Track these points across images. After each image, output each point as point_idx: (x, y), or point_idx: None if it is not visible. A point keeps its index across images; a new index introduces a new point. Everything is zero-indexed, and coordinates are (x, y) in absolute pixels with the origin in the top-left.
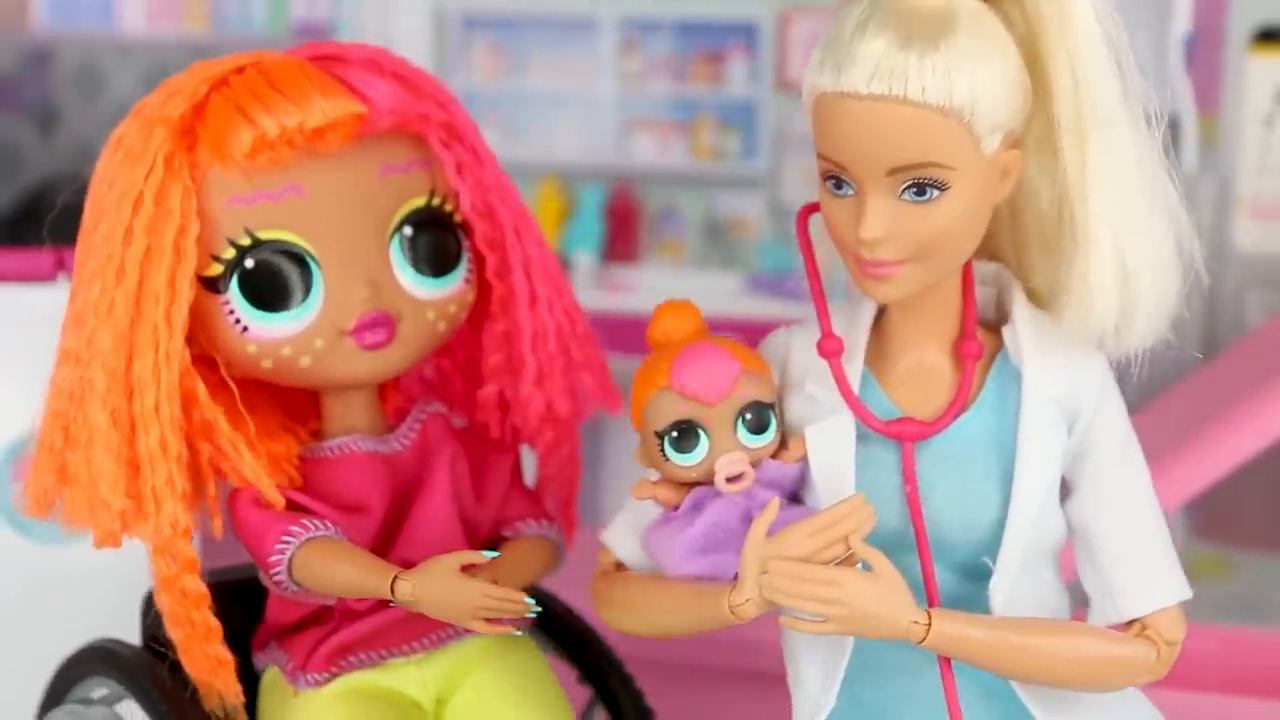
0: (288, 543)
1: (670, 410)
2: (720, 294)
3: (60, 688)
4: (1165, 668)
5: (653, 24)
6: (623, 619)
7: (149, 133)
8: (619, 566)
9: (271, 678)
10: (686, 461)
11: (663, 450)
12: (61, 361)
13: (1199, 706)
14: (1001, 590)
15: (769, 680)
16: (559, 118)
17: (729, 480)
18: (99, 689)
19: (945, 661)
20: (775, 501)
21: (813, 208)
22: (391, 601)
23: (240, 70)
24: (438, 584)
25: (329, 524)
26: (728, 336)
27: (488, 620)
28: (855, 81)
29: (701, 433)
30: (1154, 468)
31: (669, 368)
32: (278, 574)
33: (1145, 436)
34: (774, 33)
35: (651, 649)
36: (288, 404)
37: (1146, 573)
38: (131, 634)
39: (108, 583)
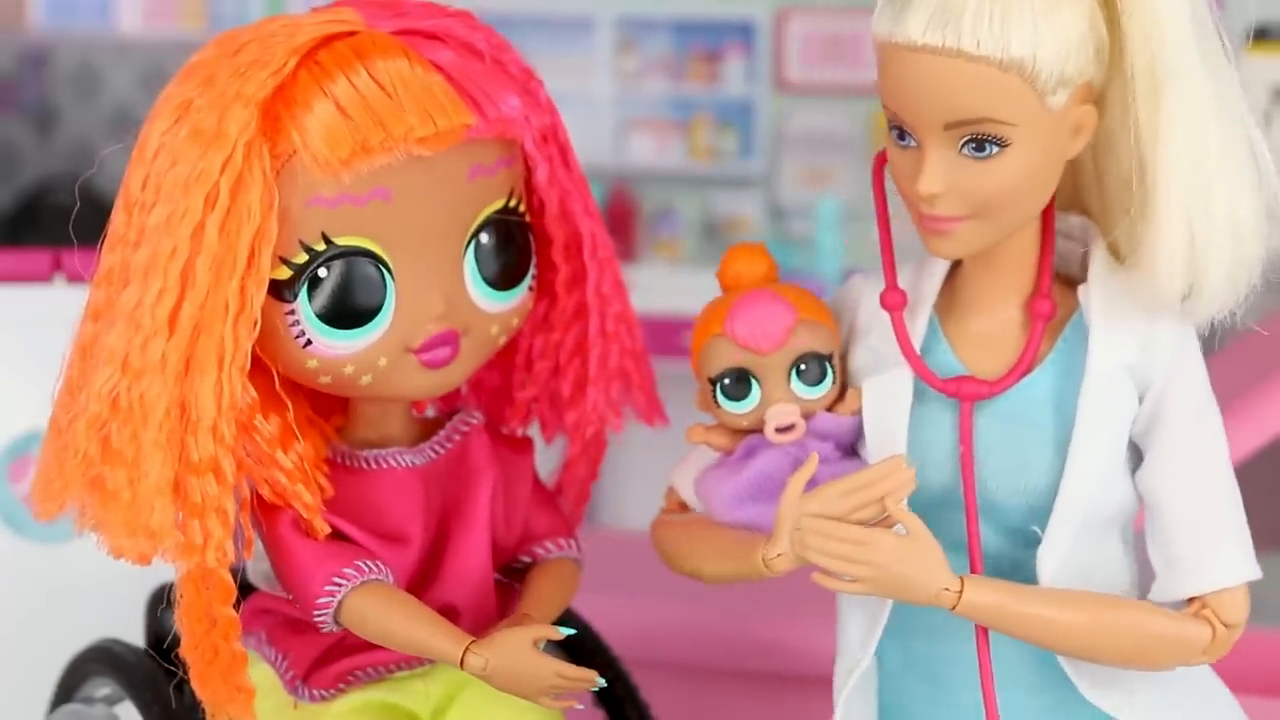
0: (340, 585)
1: (723, 357)
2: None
3: (68, 685)
4: (1222, 650)
5: (650, 23)
6: (674, 561)
7: (226, 111)
8: (683, 507)
9: (262, 676)
10: (738, 409)
11: (715, 397)
12: (102, 359)
13: None
14: (1050, 560)
15: (771, 680)
16: None
17: (779, 431)
18: (102, 688)
19: (982, 630)
20: (815, 456)
21: (888, 157)
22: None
23: (328, 42)
24: (512, 660)
25: (380, 564)
26: (793, 284)
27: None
28: (910, 30)
29: (754, 381)
30: None
31: (725, 314)
32: (321, 615)
33: None
34: (771, 32)
35: (653, 649)
36: (313, 396)
37: (1209, 550)
38: (135, 632)
39: (109, 582)
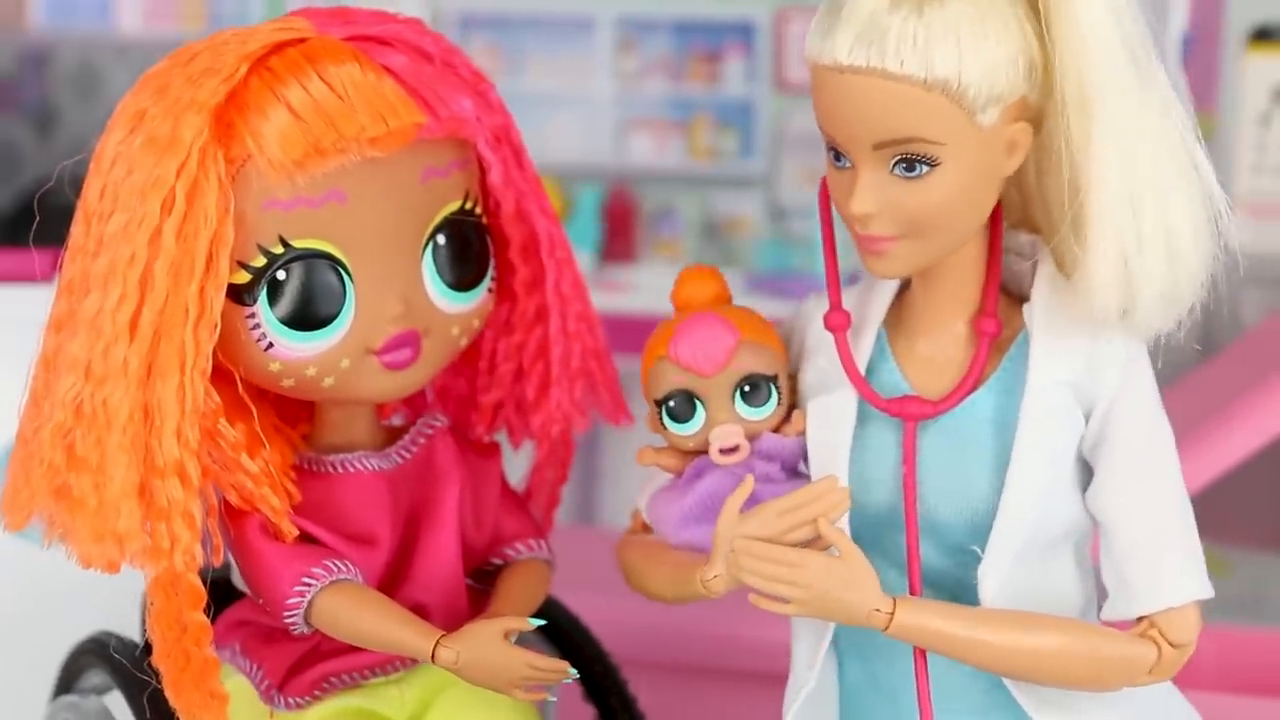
0: (309, 585)
1: (667, 380)
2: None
3: (68, 676)
4: (1170, 670)
5: (650, 24)
6: (633, 581)
7: (180, 118)
8: (646, 528)
9: (238, 688)
10: (683, 431)
11: (661, 419)
12: (65, 367)
13: (1196, 705)
14: (991, 578)
15: (767, 680)
16: (556, 117)
17: (723, 452)
18: (96, 679)
19: (919, 651)
20: (750, 479)
21: None
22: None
23: (279, 49)
24: (483, 652)
25: (349, 564)
26: (741, 307)
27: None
28: (836, 51)
29: (698, 403)
30: None
31: (669, 337)
32: (292, 616)
33: None
34: (771, 32)
35: (649, 649)
36: (279, 403)
37: (1158, 569)
38: (133, 627)
39: (110, 580)
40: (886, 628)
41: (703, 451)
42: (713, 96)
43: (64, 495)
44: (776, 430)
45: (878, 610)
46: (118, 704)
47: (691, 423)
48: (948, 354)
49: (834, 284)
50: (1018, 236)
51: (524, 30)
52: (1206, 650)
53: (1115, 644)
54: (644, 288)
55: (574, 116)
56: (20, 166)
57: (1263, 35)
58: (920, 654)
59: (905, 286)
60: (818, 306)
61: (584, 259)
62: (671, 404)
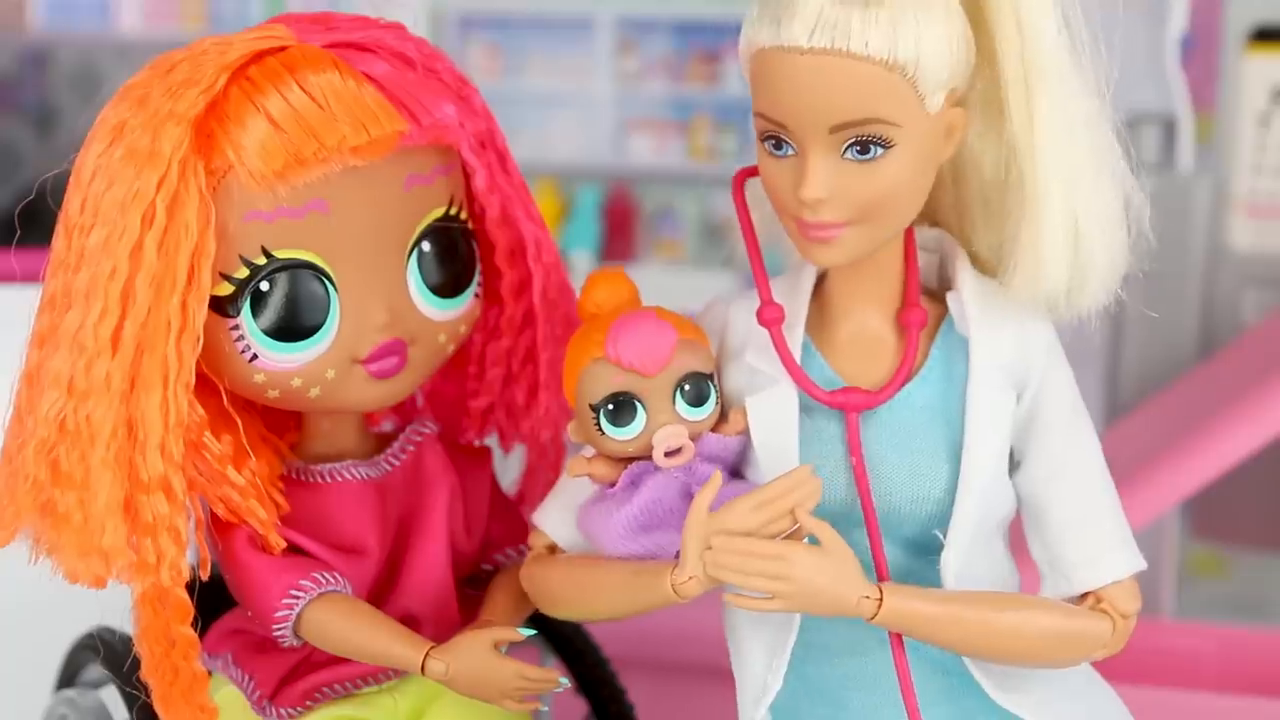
0: (297, 597)
1: (606, 382)
2: (717, 293)
3: (69, 671)
4: (1121, 641)
5: (650, 24)
6: (559, 605)
7: (159, 130)
8: (552, 550)
9: (230, 698)
10: (623, 435)
11: (598, 424)
12: (47, 383)
13: (1196, 705)
14: (953, 564)
15: None
16: (556, 118)
17: (667, 454)
18: (95, 673)
19: (897, 638)
20: (718, 475)
21: (749, 172)
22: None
23: (259, 58)
24: (473, 664)
25: (337, 575)
26: (660, 306)
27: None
28: (796, 35)
29: (639, 405)
30: (1151, 466)
31: (604, 337)
32: (280, 629)
33: (1142, 435)
34: None
35: (643, 648)
36: (266, 413)
37: (1099, 544)
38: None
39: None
40: (874, 615)
41: (640, 457)
42: (713, 96)
43: (49, 511)
44: (713, 431)
45: (866, 597)
46: (115, 698)
47: (632, 426)
48: (873, 346)
49: (762, 279)
50: (923, 230)
51: (524, 30)
52: (1206, 650)
53: (1079, 619)
54: (644, 288)
55: (574, 116)
56: (20, 166)
57: (1263, 35)
58: (898, 641)
59: (820, 282)
60: (732, 306)
61: (584, 259)
62: (610, 408)
